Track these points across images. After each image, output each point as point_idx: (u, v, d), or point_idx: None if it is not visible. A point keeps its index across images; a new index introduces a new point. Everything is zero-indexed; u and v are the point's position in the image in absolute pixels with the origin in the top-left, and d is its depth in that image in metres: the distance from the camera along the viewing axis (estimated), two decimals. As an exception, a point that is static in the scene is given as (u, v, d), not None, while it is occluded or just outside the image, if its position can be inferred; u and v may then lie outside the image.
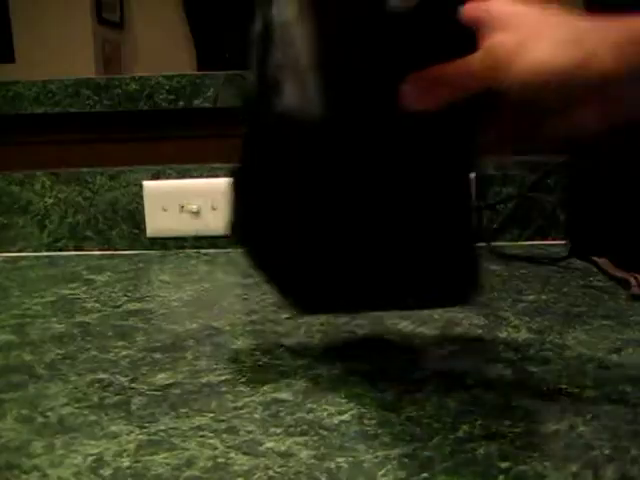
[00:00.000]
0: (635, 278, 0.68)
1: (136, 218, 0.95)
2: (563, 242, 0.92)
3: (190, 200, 0.93)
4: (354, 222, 0.46)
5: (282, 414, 0.42)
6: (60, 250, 0.96)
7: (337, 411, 0.43)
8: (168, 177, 0.95)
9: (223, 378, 0.48)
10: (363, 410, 0.43)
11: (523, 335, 0.56)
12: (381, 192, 0.45)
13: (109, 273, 0.82)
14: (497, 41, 0.40)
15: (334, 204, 0.45)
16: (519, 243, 0.94)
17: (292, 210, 0.46)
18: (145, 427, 0.41)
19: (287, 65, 0.44)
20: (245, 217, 0.49)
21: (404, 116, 0.42)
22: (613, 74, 0.37)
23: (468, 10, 0.43)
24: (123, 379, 0.49)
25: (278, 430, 0.40)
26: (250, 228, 0.49)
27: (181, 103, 0.94)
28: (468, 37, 0.42)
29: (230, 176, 0.48)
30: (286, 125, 0.44)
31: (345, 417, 0.42)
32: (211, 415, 0.42)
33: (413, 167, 0.45)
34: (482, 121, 0.45)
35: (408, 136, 0.44)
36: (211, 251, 0.93)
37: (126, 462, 0.37)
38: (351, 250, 0.46)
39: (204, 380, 0.48)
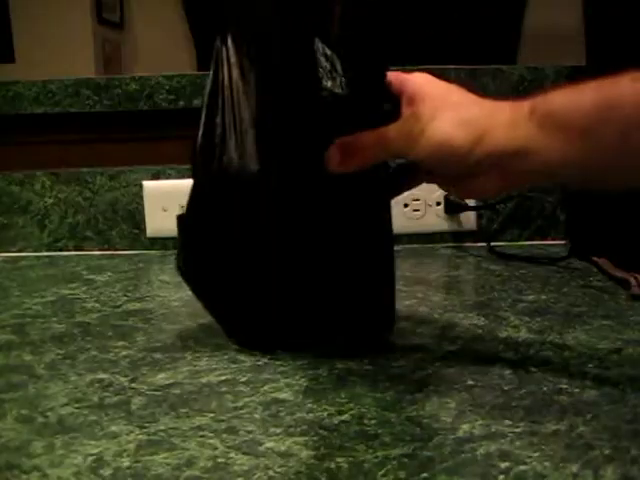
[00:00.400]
0: (635, 278, 0.68)
1: (136, 218, 0.95)
2: (563, 242, 0.92)
3: (190, 200, 0.93)
4: (283, 263, 0.51)
5: (282, 414, 0.42)
6: (60, 250, 0.96)
7: (337, 411, 0.43)
8: (168, 177, 0.95)
9: (223, 378, 0.48)
10: (363, 410, 0.43)
11: (523, 335, 0.56)
12: (309, 238, 0.51)
13: (109, 273, 0.82)
14: (410, 114, 0.45)
15: (266, 248, 0.51)
16: (519, 243, 0.94)
17: (229, 252, 0.51)
18: (145, 427, 0.41)
19: (231, 123, 0.50)
20: (190, 257, 0.55)
21: (329, 174, 0.48)
22: (505, 150, 0.42)
23: (391, 80, 0.49)
24: (123, 379, 0.49)
25: (278, 430, 0.40)
26: (194, 267, 0.55)
27: (181, 103, 0.94)
28: (394, 104, 0.48)
29: (177, 222, 0.54)
30: (227, 177, 0.50)
31: (345, 417, 0.42)
32: (211, 415, 0.42)
33: (337, 215, 0.50)
34: (400, 175, 0.53)
35: (332, 189, 0.49)
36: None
37: (126, 462, 0.37)
38: (280, 288, 0.52)
39: (204, 380, 0.48)
